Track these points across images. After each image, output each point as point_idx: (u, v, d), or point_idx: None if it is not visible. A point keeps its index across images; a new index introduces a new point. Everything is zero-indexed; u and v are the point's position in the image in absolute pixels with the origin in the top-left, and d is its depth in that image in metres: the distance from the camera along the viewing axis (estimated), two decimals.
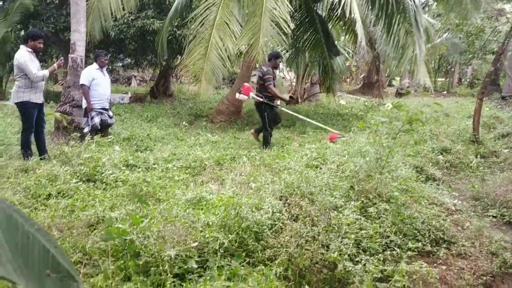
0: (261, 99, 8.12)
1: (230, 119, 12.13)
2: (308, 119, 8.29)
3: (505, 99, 18.82)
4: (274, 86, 8.27)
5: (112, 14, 10.70)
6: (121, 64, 22.96)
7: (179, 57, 16.45)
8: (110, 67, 19.11)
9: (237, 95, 8.88)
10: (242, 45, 10.13)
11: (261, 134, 8.38)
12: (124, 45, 16.22)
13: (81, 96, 7.82)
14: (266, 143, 8.11)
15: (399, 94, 22.22)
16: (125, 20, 14.01)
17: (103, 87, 7.86)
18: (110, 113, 8.11)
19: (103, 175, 5.49)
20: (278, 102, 8.47)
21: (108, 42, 15.40)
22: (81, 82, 7.68)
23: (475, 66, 26.97)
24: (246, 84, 8.93)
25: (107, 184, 5.34)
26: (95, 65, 7.79)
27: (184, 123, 10.13)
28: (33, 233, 0.80)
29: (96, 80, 7.69)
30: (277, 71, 8.45)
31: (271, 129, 8.25)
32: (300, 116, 8.38)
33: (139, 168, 6.09)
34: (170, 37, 13.76)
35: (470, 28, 10.92)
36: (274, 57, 8.42)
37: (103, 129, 7.89)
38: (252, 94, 8.36)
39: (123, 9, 10.92)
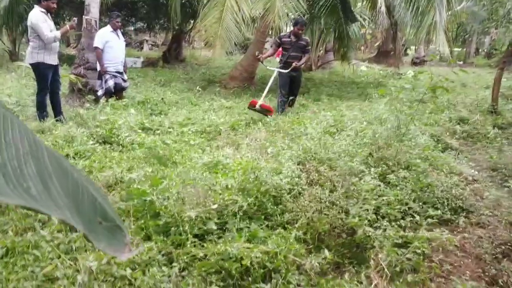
0: (274, 69, 8.27)
1: (244, 85, 12.02)
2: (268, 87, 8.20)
3: None
4: (287, 52, 8.18)
5: None
6: (133, 28, 22.78)
7: (192, 22, 16.26)
8: (122, 30, 18.97)
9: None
10: (257, 9, 9.96)
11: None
12: (136, 8, 16.06)
13: (96, 59, 7.76)
14: (280, 107, 8.14)
15: (414, 63, 21.85)
16: None
17: (117, 50, 7.78)
18: (125, 76, 8.05)
19: (119, 137, 5.50)
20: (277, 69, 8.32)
21: (120, 4, 15.22)
22: (94, 44, 7.60)
23: (494, 35, 26.31)
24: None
25: (124, 146, 5.35)
26: (109, 27, 7.69)
27: (198, 88, 10.06)
28: (82, 181, 0.79)
29: (110, 43, 7.61)
30: (301, 40, 8.17)
31: (282, 94, 8.18)
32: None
33: (155, 131, 6.09)
34: (183, 1, 13.55)
35: None
36: (293, 24, 8.32)
37: (117, 92, 7.86)
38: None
39: None
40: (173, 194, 3.27)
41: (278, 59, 8.43)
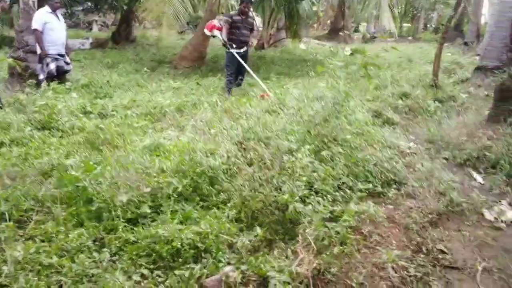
0: (221, 39, 8.16)
1: (194, 65, 11.89)
2: (252, 73, 8.14)
3: (467, 44, 19.09)
4: (238, 30, 8.09)
5: None
6: (81, 8, 21.98)
7: (141, 0, 15.86)
8: (69, 11, 18.28)
9: (204, 29, 8.83)
10: None
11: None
12: None
13: (35, 41, 7.46)
14: (226, 85, 8.17)
15: (364, 40, 22.19)
16: None
17: (57, 32, 7.49)
18: (67, 59, 7.79)
19: (58, 122, 5.36)
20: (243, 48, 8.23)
21: None
22: (33, 26, 7.29)
23: (440, 12, 27.04)
24: (214, 21, 8.79)
25: (64, 131, 5.23)
26: (47, 8, 7.37)
27: (145, 69, 9.89)
28: None
29: (49, 25, 7.32)
30: (249, 18, 8.31)
31: (229, 73, 8.16)
32: (246, 66, 8.14)
33: (98, 114, 5.97)
34: None
35: None
36: (240, 2, 8.30)
37: (60, 75, 7.60)
38: (215, 32, 8.29)
39: None
40: (107, 179, 3.25)
41: (217, 35, 8.29)
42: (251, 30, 8.39)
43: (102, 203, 3.01)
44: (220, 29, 8.22)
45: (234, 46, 8.05)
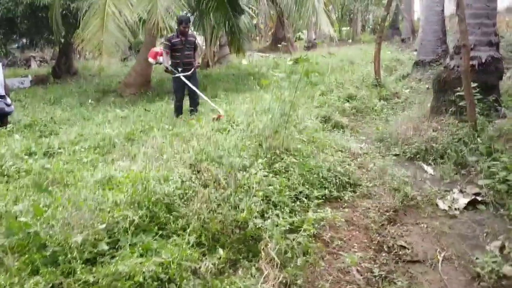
0: (166, 67, 7.81)
1: (140, 91, 11.75)
2: (202, 94, 7.94)
3: (404, 41, 19.88)
4: (179, 52, 7.80)
5: None
6: (16, 46, 21.33)
7: (78, 32, 15.53)
8: (4, 50, 17.68)
9: (149, 58, 8.58)
10: (140, 13, 9.74)
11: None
12: (15, 24, 15.07)
13: None
14: (175, 111, 7.99)
15: (307, 47, 22.67)
16: None
17: None
18: (8, 101, 7.49)
19: (3, 167, 5.14)
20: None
21: None
22: None
23: (375, 13, 28.03)
24: (156, 48, 8.59)
25: (9, 176, 5.01)
26: None
27: (90, 101, 9.67)
28: None
29: None
30: (190, 37, 7.99)
31: (178, 99, 7.96)
32: (192, 87, 7.90)
33: (43, 155, 5.76)
34: (64, 12, 12.95)
35: None
36: (177, 23, 7.99)
37: (1, 118, 7.32)
38: (160, 59, 8.05)
39: None
40: (59, 220, 3.13)
41: (162, 61, 8.06)
42: (194, 49, 8.10)
43: (57, 246, 2.89)
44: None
45: (180, 69, 7.74)
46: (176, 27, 8.11)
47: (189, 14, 14.47)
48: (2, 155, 5.37)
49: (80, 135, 6.60)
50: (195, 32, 16.12)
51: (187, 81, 7.67)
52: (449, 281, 2.89)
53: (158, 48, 8.38)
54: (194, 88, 7.75)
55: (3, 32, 15.55)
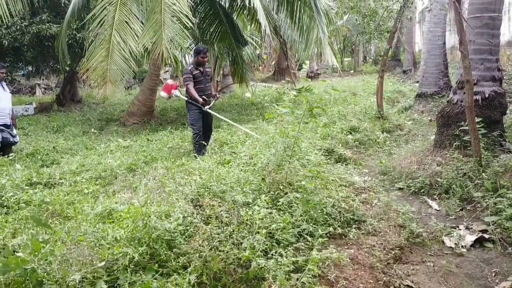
0: (185, 98, 7.46)
1: (143, 120, 11.78)
2: (232, 122, 7.76)
3: (406, 73, 20.03)
4: (201, 84, 7.39)
5: None
6: (22, 73, 21.55)
7: (83, 61, 15.69)
8: (9, 77, 17.87)
9: (161, 92, 8.30)
10: (145, 43, 9.84)
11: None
12: (21, 53, 15.28)
13: None
14: (194, 148, 7.29)
15: (309, 77, 22.85)
16: (18, 27, 13.13)
17: (3, 102, 7.25)
18: (14, 132, 7.48)
19: (3, 198, 5.09)
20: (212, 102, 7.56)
21: (2, 51, 14.40)
22: None
23: (376, 44, 28.37)
24: (169, 81, 8.38)
25: (9, 207, 4.95)
26: None
27: (92, 130, 9.68)
28: None
29: None
30: (207, 67, 7.61)
31: (197, 129, 7.27)
32: (221, 117, 7.75)
33: (44, 185, 5.72)
34: (70, 41, 13.11)
35: (364, 10, 11.46)
36: (195, 53, 7.65)
37: (4, 147, 7.31)
38: (175, 92, 7.82)
39: (11, 15, 10.13)
40: (57, 257, 3.06)
41: (179, 95, 7.78)
42: (211, 80, 7.77)
43: (54, 284, 2.82)
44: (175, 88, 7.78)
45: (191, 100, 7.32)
46: (193, 58, 7.71)
47: (191, 45, 14.67)
48: (3, 185, 5.33)
49: (81, 165, 6.58)
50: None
51: (214, 113, 7.34)
52: None
53: (171, 81, 8.20)
54: (220, 116, 7.44)
55: (10, 60, 15.73)
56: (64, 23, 11.32)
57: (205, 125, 7.42)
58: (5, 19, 9.71)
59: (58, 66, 16.11)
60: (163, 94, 7.91)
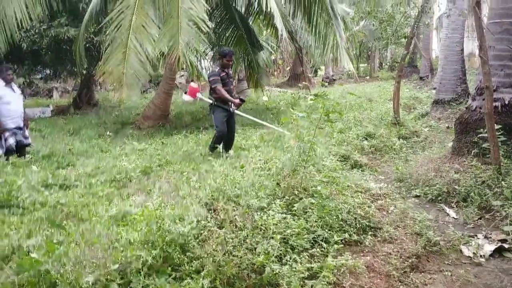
0: (210, 101, 7.44)
1: (158, 124, 11.82)
2: (261, 121, 7.72)
3: (423, 79, 19.86)
4: (226, 86, 7.36)
5: (19, 24, 10.04)
6: (40, 76, 21.85)
7: (100, 64, 15.84)
8: (27, 80, 18.12)
9: (184, 96, 8.29)
10: (161, 47, 9.89)
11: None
12: (39, 56, 15.47)
13: None
14: (215, 142, 7.32)
15: (325, 83, 22.77)
16: (36, 30, 13.31)
17: (14, 105, 7.31)
18: (26, 133, 7.56)
19: (19, 199, 5.12)
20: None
21: (20, 54, 14.59)
22: None
23: (393, 50, 28.20)
24: (193, 84, 8.35)
25: (24, 208, 4.98)
26: (1, 82, 7.24)
27: (108, 133, 9.75)
28: None
29: (5, 98, 7.15)
30: (230, 70, 7.58)
31: (221, 130, 7.24)
32: (251, 117, 7.71)
33: (60, 187, 5.75)
34: (87, 45, 13.24)
35: (381, 15, 11.39)
36: (220, 56, 7.59)
37: (19, 149, 7.37)
38: (200, 96, 7.84)
39: (31, 19, 10.27)
40: (71, 258, 3.06)
41: (204, 98, 7.62)
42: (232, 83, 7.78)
43: (67, 286, 2.81)
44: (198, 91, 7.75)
45: (232, 105, 7.35)
46: (218, 60, 7.64)
47: (207, 50, 14.71)
48: (19, 186, 5.36)
49: (97, 168, 6.61)
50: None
51: (243, 114, 7.27)
52: None
53: (194, 84, 8.17)
54: (248, 116, 7.27)
55: (28, 63, 15.95)
56: (82, 27, 11.44)
57: (229, 128, 7.43)
58: (24, 22, 9.88)
59: (75, 69, 16.31)
60: (187, 98, 7.86)
